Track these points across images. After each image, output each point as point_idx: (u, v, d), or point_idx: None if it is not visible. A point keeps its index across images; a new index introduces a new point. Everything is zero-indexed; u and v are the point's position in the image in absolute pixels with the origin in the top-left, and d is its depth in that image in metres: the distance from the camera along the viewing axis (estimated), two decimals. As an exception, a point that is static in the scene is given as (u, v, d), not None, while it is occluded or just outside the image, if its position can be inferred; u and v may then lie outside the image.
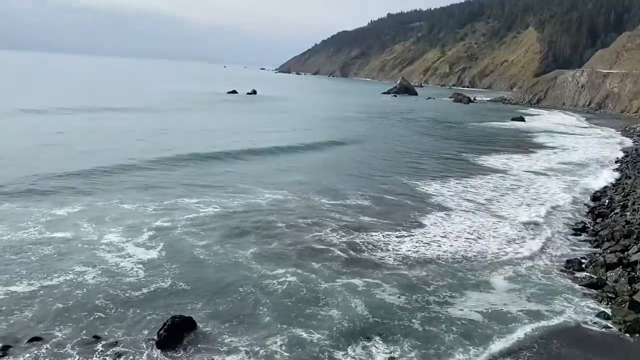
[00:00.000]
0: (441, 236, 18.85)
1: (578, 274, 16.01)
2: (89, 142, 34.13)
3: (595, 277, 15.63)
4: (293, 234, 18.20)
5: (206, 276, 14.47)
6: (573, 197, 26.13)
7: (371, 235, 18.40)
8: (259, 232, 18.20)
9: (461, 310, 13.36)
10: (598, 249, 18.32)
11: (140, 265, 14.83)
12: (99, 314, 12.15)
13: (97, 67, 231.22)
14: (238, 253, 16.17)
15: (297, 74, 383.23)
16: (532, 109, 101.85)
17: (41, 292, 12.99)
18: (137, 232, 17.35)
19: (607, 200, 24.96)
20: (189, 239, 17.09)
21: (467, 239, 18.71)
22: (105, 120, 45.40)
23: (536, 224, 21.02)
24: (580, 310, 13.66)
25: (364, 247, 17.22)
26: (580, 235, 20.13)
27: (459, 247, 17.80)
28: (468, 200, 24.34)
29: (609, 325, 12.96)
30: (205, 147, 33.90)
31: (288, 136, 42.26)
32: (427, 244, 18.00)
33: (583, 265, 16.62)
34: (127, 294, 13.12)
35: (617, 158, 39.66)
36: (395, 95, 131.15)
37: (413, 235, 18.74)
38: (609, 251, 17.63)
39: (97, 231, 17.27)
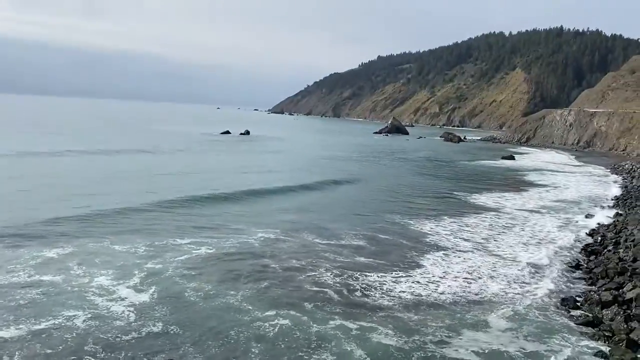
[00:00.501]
0: (439, 277, 18.66)
1: (574, 312, 15.90)
2: (81, 184, 34.02)
3: (591, 315, 15.52)
4: (286, 275, 18.01)
5: (198, 319, 14.22)
6: (567, 235, 26.12)
7: (366, 276, 18.22)
8: (252, 273, 18.01)
9: (456, 350, 13.16)
10: (593, 287, 18.25)
11: (131, 309, 14.58)
12: (88, 358, 11.87)
13: (86, 109, 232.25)
14: (230, 295, 15.95)
15: (290, 114, 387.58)
16: (522, 148, 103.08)
17: (29, 336, 12.70)
18: (128, 274, 17.13)
19: (599, 238, 25.03)
20: (181, 281, 16.87)
21: (466, 279, 18.54)
22: (97, 162, 45.42)
23: (533, 264, 20.93)
24: (578, 349, 13.49)
25: (358, 289, 17.03)
26: (574, 272, 20.10)
27: (456, 287, 17.60)
28: (464, 239, 24.27)
29: (607, 364, 12.81)
30: (198, 188, 33.81)
31: (280, 176, 42.27)
32: (424, 284, 17.79)
33: (578, 304, 16.53)
34: (118, 338, 12.85)
35: (615, 196, 39.85)
36: (387, 135, 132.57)
37: (409, 276, 18.56)
38: (603, 289, 17.55)
39: (88, 273, 17.03)
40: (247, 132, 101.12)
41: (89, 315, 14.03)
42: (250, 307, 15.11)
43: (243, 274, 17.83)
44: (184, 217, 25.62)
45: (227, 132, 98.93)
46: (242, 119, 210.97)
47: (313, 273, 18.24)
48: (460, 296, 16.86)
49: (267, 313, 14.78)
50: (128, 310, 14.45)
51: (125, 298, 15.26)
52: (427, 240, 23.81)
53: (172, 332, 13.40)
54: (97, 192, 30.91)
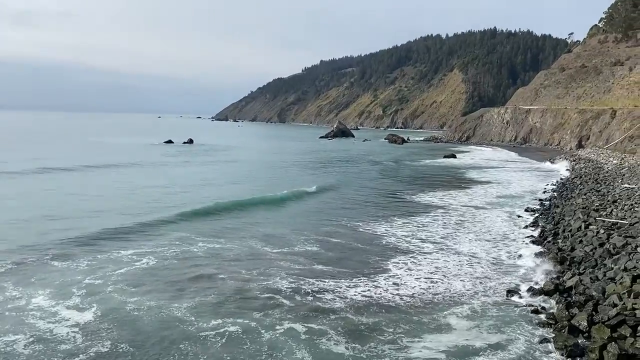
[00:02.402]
0: (400, 279, 18.48)
1: (519, 301, 16.43)
2: (17, 202, 32.41)
3: (536, 304, 16.07)
4: (233, 284, 17.59)
5: (144, 335, 13.65)
6: (512, 228, 26.98)
7: (322, 281, 17.96)
8: (196, 283, 17.51)
9: (420, 352, 13.15)
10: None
11: (76, 329, 13.86)
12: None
13: (17, 122, 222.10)
14: (175, 307, 15.43)
15: (235, 121, 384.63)
16: (463, 146, 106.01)
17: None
18: (68, 292, 16.32)
19: (539, 230, 26.01)
20: (124, 296, 16.22)
21: (428, 279, 18.50)
22: (29, 181, 42.80)
23: (490, 258, 21.47)
24: (528, 337, 13.84)
25: (311, 293, 16.84)
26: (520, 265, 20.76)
27: (415, 290, 17.47)
28: (422, 239, 24.42)
29: (552, 350, 13.26)
30: (137, 201, 32.91)
31: (219, 188, 40.99)
32: (382, 288, 17.55)
33: (525, 293, 17.07)
34: (63, 362, 12.24)
35: (552, 189, 41.59)
36: (333, 139, 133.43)
37: (368, 280, 18.31)
38: (545, 278, 18.22)
39: (24, 294, 16.18)
40: (191, 141, 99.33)
41: (31, 340, 13.21)
42: (196, 318, 14.65)
43: (187, 285, 17.33)
44: (126, 228, 24.80)
45: (170, 142, 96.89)
46: (185, 127, 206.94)
47: (263, 281, 17.87)
48: (422, 298, 16.75)
49: (214, 322, 14.37)
50: (73, 332, 13.72)
51: (68, 318, 14.49)
52: (384, 242, 23.77)
53: (121, 350, 12.85)
54: (32, 205, 29.54)
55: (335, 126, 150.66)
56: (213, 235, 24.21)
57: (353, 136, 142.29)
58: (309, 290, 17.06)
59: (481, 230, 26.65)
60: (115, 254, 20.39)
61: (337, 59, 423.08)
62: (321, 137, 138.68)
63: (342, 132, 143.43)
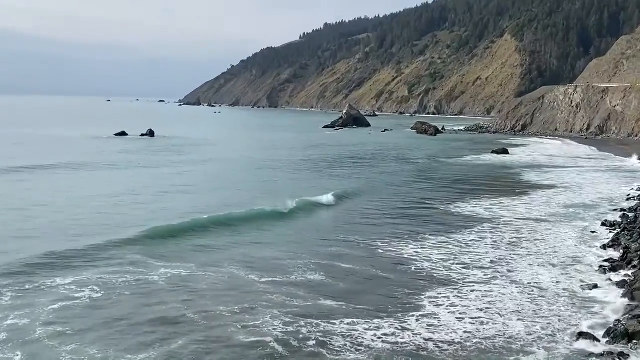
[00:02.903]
0: (434, 319, 18.25)
1: (594, 349, 16.11)
2: None
3: (617, 351, 15.73)
4: (208, 325, 17.34)
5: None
6: (585, 249, 26.74)
7: (330, 323, 17.68)
8: (157, 325, 17.27)
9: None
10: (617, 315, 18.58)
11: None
12: None
13: None
14: (127, 359, 15.26)
15: (210, 105, 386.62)
16: (518, 138, 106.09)
17: None
18: (-17, 336, 16.21)
19: (622, 250, 25.67)
20: (57, 341, 16.00)
21: (473, 319, 18.29)
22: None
23: (541, 287, 21.23)
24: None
25: (313, 338, 16.53)
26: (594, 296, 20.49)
27: (458, 334, 17.18)
28: (464, 264, 24.20)
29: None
30: (80, 215, 32.93)
31: (193, 198, 40.32)
32: (412, 331, 17.29)
33: (601, 335, 16.79)
34: None
35: (629, 195, 41.17)
36: (342, 128, 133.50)
37: (394, 320, 18.04)
38: (629, 317, 17.89)
39: None
40: (151, 133, 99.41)
41: None
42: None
43: (144, 328, 17.12)
44: (64, 251, 24.53)
45: (123, 134, 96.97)
46: (143, 114, 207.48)
47: (248, 322, 17.58)
48: (467, 345, 16.42)
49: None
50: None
51: (-17, 373, 14.43)
52: (413, 269, 23.57)
53: None
54: None
55: (344, 111, 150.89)
56: (179, 258, 24.03)
57: (368, 125, 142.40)
58: (311, 335, 16.80)
59: (544, 251, 26.43)
60: (48, 284, 20.30)
61: (346, 21, 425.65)
62: (326, 127, 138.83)
63: (354, 120, 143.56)
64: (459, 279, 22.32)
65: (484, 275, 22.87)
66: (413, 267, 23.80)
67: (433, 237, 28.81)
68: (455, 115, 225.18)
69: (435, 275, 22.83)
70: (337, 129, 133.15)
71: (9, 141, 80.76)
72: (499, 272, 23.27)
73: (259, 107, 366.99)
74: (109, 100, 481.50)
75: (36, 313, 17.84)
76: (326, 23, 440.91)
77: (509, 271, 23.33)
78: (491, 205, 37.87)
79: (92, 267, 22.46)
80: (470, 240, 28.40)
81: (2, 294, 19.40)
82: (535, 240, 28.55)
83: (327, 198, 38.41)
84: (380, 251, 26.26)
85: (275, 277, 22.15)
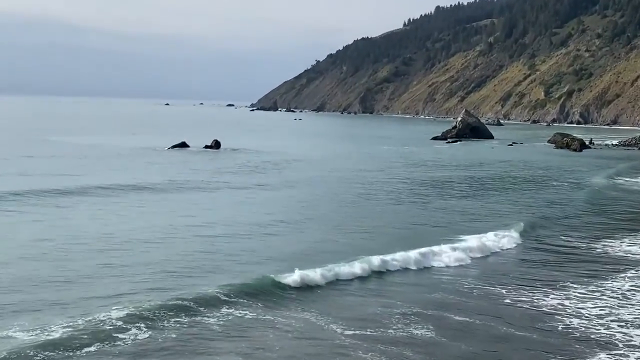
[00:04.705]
0: None
1: None
2: None
3: None
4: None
5: None
6: None
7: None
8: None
9: None
10: None
11: None
12: None
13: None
14: None
15: (290, 110, 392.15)
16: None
17: None
18: None
19: None
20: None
21: None
22: None
23: None
24: None
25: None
26: None
27: None
28: (626, 322, 23.41)
29: None
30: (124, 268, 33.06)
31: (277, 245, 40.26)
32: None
33: None
34: None
35: None
36: (456, 141, 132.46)
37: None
38: None
39: None
40: (216, 144, 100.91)
41: None
42: None
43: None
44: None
45: (183, 145, 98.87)
46: (208, 121, 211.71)
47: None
48: None
49: None
50: None
51: None
52: (560, 327, 22.85)
53: None
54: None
55: (459, 119, 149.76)
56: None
57: (491, 136, 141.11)
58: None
59: None
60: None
61: (464, 4, 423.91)
62: (435, 138, 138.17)
63: (472, 130, 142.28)
64: (621, 341, 21.50)
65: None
66: (559, 325, 23.03)
67: (576, 284, 28.13)
68: (608, 125, 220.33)
69: (590, 335, 22.05)
70: (449, 142, 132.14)
71: (48, 155, 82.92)
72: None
73: (349, 112, 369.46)
74: (167, 104, 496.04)
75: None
76: (438, 6, 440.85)
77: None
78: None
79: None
80: (627, 289, 27.61)
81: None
82: None
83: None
84: (507, 301, 25.74)
85: (366, 329, 21.83)
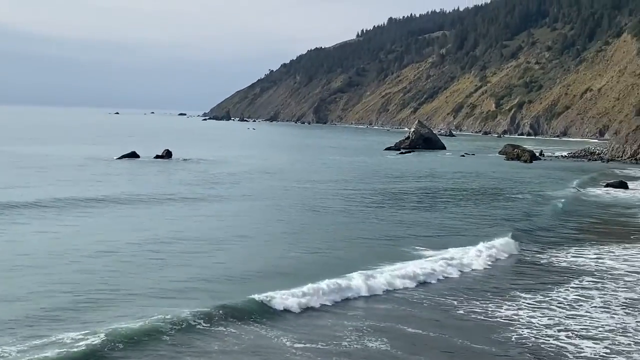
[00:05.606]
0: None
1: None
2: None
3: None
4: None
5: None
6: None
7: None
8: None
9: None
10: None
11: None
12: None
13: None
14: None
15: (243, 120, 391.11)
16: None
17: None
18: None
19: None
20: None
21: None
22: None
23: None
24: None
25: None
26: None
27: None
28: (575, 333, 23.75)
29: None
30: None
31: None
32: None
33: None
34: None
35: None
36: (409, 152, 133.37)
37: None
38: None
39: None
40: (168, 154, 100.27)
41: None
42: None
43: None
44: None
45: (133, 155, 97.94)
46: (159, 130, 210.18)
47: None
48: None
49: None
50: None
51: None
52: (514, 338, 23.04)
53: None
54: None
55: (412, 130, 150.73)
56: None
57: (443, 147, 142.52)
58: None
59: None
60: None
61: (416, 16, 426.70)
62: (388, 148, 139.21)
63: (425, 140, 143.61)
64: (572, 354, 21.81)
65: (604, 348, 22.35)
66: (513, 336, 23.18)
67: (525, 294, 28.50)
68: (557, 136, 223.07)
69: (541, 347, 22.22)
70: (402, 152, 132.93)
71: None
72: (620, 343, 22.80)
73: (303, 122, 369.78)
74: (117, 113, 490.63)
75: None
76: (391, 18, 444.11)
77: (635, 343, 22.79)
78: (598, 253, 37.42)
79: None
80: (572, 299, 28.05)
81: None
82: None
83: None
84: (460, 312, 25.93)
85: (318, 343, 21.74)
